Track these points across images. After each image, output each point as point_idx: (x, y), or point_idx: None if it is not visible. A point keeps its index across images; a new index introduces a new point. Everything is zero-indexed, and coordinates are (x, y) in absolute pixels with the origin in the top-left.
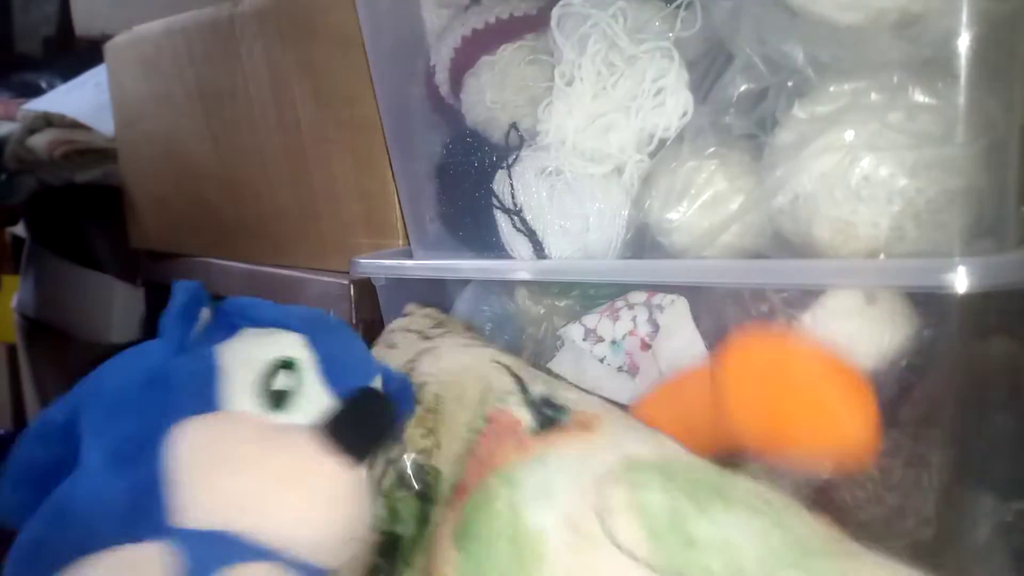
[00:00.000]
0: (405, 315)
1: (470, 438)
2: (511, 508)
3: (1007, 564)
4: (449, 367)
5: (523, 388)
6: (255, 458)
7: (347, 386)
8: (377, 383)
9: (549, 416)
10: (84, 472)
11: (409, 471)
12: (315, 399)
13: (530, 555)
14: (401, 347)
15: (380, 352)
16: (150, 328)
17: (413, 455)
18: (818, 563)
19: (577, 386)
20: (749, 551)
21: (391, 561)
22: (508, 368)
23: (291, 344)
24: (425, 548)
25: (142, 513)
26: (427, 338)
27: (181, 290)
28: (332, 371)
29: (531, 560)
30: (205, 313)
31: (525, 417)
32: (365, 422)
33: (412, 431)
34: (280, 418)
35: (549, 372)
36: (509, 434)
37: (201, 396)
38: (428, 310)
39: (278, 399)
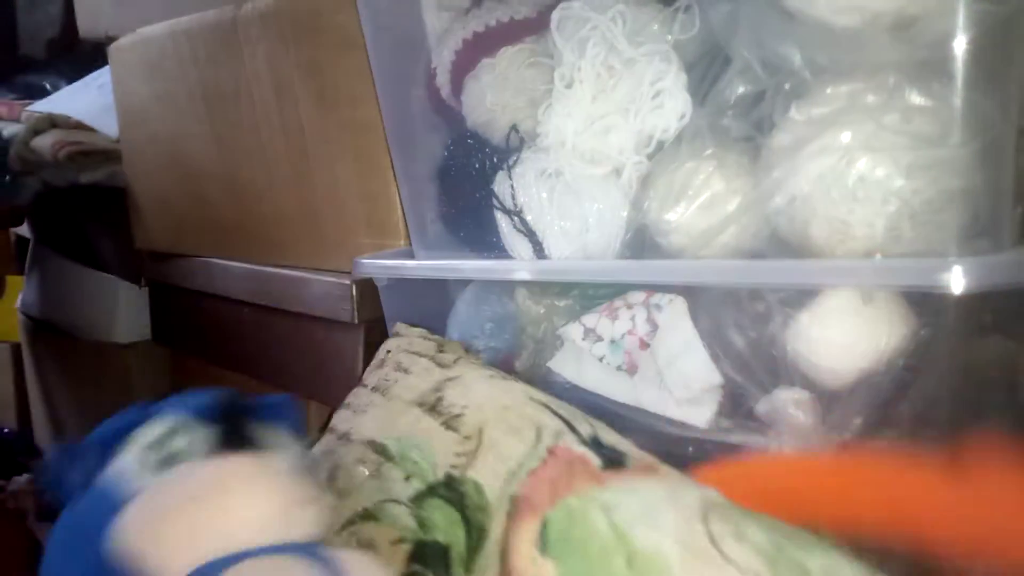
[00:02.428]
0: (397, 335)
1: (528, 463)
2: (614, 529)
3: None
4: (485, 401)
5: (572, 428)
6: (180, 500)
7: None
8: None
9: (612, 458)
10: None
11: (441, 481)
12: (196, 443)
13: (653, 570)
14: (415, 373)
15: (392, 375)
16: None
17: (446, 469)
18: None
19: (609, 427)
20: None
21: (441, 569)
22: (547, 407)
23: (158, 424)
24: (490, 556)
25: None
26: (441, 365)
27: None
28: (198, 414)
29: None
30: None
31: (589, 455)
32: (239, 420)
33: (445, 452)
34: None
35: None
36: (578, 465)
37: (116, 498)
38: (420, 330)
39: (167, 462)
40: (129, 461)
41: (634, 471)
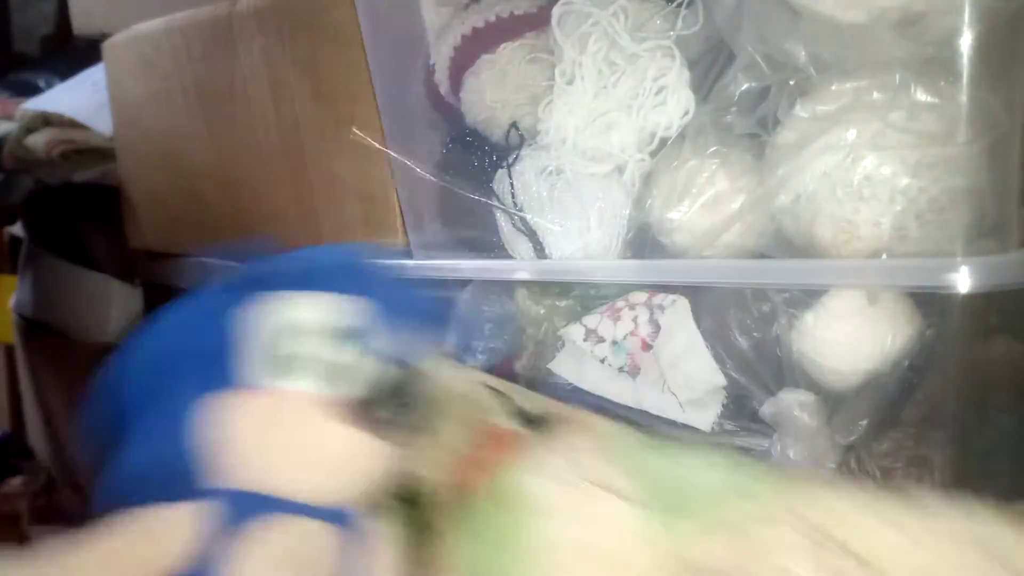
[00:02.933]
0: None
1: (458, 447)
2: (517, 491)
3: None
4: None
5: (504, 402)
6: (267, 437)
7: (395, 351)
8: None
9: (531, 420)
10: (136, 434)
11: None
12: (358, 365)
13: (543, 513)
14: None
15: None
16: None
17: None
18: None
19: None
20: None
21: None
22: (490, 386)
23: (306, 306)
24: (435, 546)
25: (180, 476)
26: None
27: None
28: (388, 326)
29: (524, 506)
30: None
31: (515, 426)
32: (398, 401)
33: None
34: (292, 385)
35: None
36: (506, 439)
37: (221, 367)
38: None
39: (286, 366)
40: (250, 340)
41: (549, 429)
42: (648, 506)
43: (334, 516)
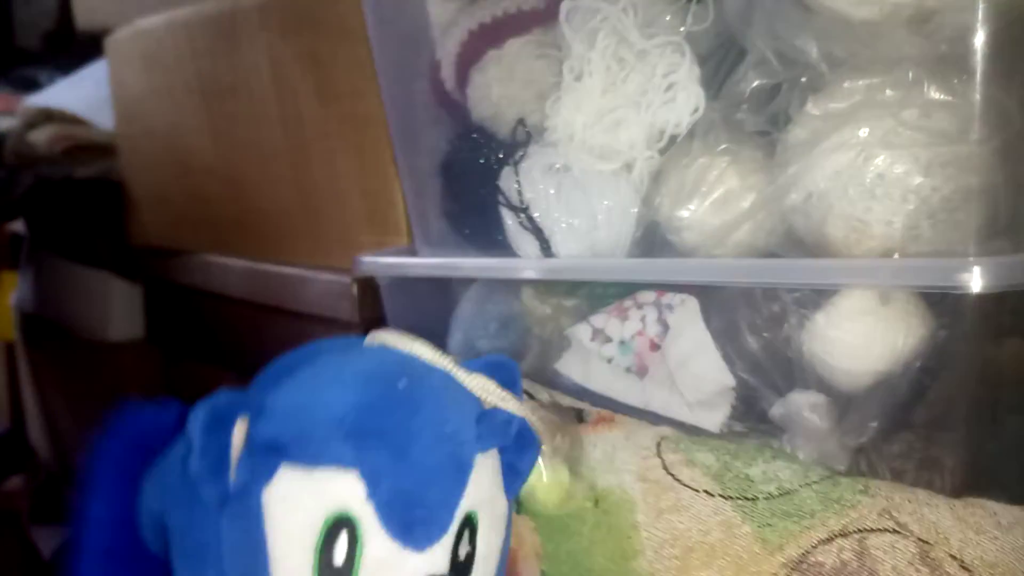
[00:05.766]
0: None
1: None
2: (580, 479)
3: None
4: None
5: (531, 396)
6: None
7: (420, 539)
8: (470, 495)
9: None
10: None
11: None
12: (382, 557)
13: (623, 503)
14: None
15: None
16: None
17: None
18: None
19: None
20: (792, 478)
21: None
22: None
23: (344, 489)
24: None
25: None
26: None
27: (202, 423)
28: (397, 524)
29: (625, 506)
30: (238, 437)
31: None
32: None
33: None
34: None
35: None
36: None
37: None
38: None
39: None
40: (283, 538)
41: (592, 424)
42: (733, 500)
43: None
